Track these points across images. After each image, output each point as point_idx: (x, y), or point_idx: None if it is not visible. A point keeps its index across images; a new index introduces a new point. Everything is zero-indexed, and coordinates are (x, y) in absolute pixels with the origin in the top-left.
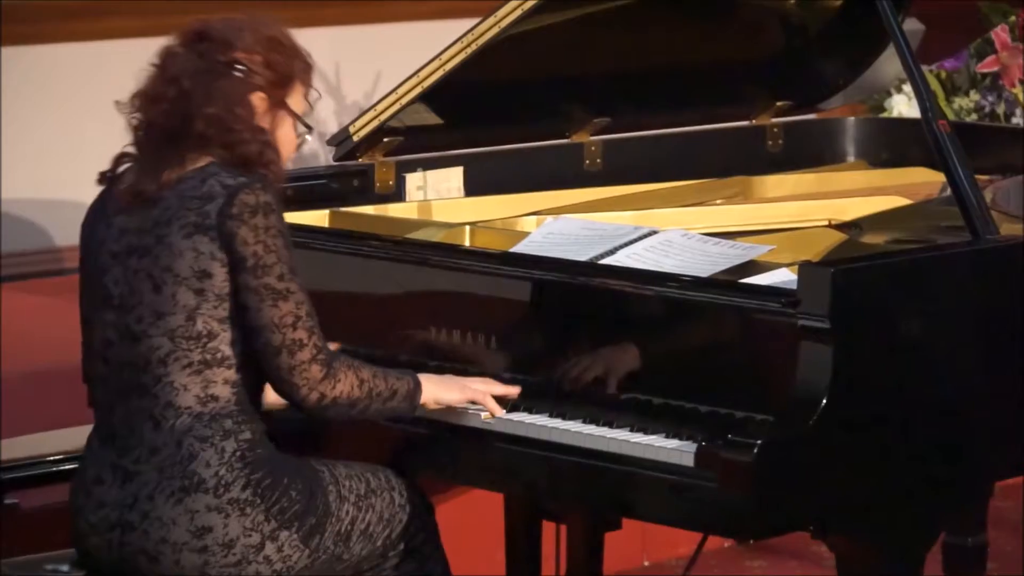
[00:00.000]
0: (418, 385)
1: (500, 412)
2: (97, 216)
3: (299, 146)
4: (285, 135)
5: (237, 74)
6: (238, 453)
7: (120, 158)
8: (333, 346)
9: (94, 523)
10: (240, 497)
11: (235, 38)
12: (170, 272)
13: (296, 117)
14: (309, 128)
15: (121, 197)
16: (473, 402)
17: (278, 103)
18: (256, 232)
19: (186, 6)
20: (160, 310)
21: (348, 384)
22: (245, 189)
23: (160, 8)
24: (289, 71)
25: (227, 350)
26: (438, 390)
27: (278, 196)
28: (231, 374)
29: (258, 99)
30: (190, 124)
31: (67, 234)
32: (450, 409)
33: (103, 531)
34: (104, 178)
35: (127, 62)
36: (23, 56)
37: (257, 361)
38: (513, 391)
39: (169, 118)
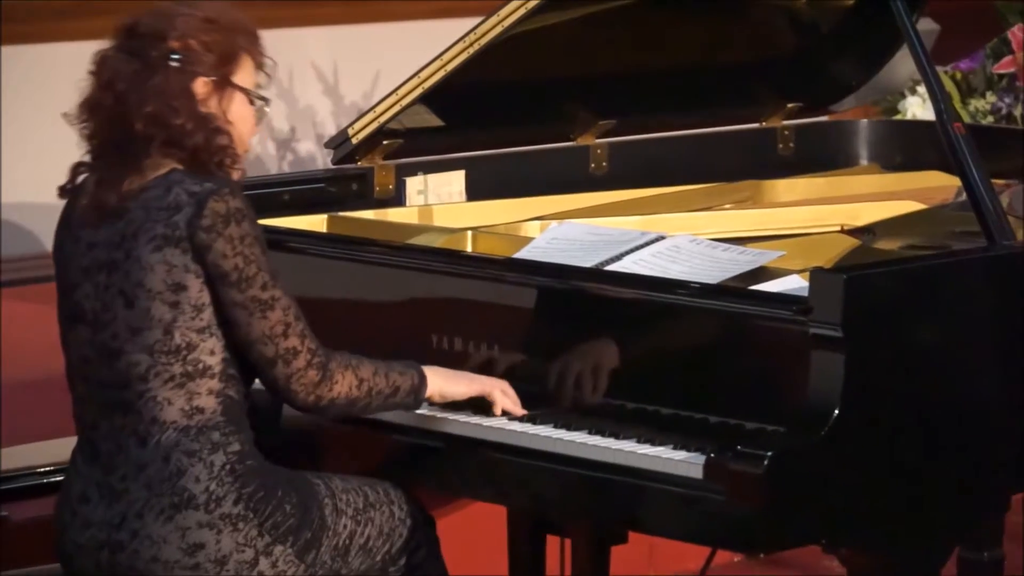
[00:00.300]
0: (423, 379)
1: (519, 411)
2: (64, 230)
3: (260, 120)
4: (239, 113)
5: (173, 64)
6: (228, 467)
7: (77, 168)
8: None
9: (81, 543)
10: (232, 512)
11: (166, 28)
12: (142, 287)
13: (246, 92)
14: (265, 99)
15: (84, 212)
16: (482, 395)
17: (224, 83)
18: (232, 243)
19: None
20: (136, 326)
21: (346, 385)
22: (213, 196)
23: (148, 7)
24: (231, 48)
25: (208, 360)
26: (444, 384)
27: (246, 197)
28: (215, 384)
29: (201, 85)
30: (131, 128)
31: None
32: (452, 420)
33: (91, 550)
34: (64, 191)
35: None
36: (23, 56)
37: (240, 367)
38: (517, 411)
39: (112, 126)
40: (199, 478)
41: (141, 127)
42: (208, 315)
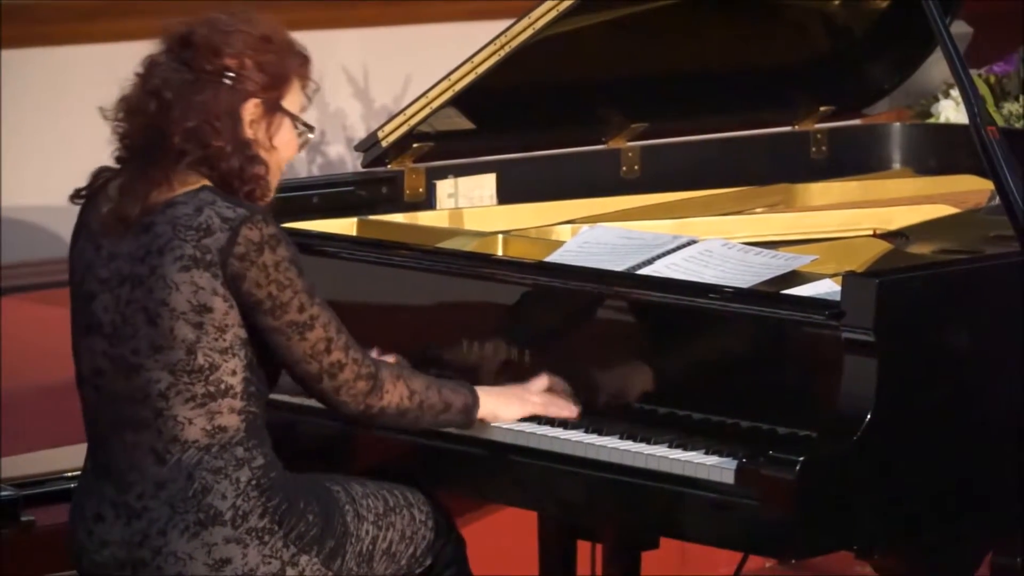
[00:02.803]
0: (476, 400)
1: (574, 414)
2: (83, 236)
3: (302, 146)
4: (283, 139)
5: (227, 82)
6: (253, 482)
7: (99, 174)
8: (390, 358)
9: (100, 562)
10: (258, 526)
11: (223, 43)
12: (166, 306)
13: (294, 118)
14: (310, 128)
15: (105, 221)
16: (536, 416)
17: (273, 107)
18: (266, 271)
19: (201, 6)
20: (158, 343)
21: (397, 395)
22: (247, 224)
23: (172, 8)
24: (284, 70)
25: (230, 380)
26: (497, 406)
27: (277, 223)
28: (236, 403)
29: (252, 107)
30: (169, 139)
31: None
32: (483, 425)
33: (113, 570)
34: (79, 195)
35: (135, 65)
36: (26, 58)
37: (260, 382)
38: (573, 412)
39: (148, 132)
40: (225, 495)
41: (178, 141)
42: (231, 336)
